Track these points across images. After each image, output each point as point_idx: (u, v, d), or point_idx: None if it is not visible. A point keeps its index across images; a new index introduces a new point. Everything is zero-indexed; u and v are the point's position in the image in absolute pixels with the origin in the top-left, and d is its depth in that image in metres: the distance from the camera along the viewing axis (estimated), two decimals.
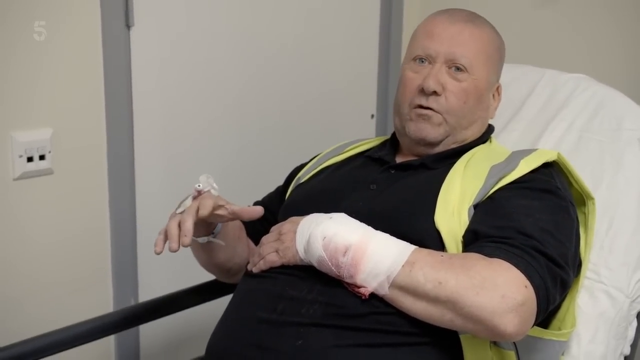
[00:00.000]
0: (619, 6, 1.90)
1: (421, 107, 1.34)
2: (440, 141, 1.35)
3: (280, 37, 2.00)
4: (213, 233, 1.29)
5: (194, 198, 1.21)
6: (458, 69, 1.33)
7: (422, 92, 1.33)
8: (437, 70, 1.33)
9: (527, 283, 1.07)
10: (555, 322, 1.29)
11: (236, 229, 1.39)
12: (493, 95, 1.41)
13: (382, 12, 2.28)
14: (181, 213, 1.19)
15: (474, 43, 1.34)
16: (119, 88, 1.68)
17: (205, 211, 1.17)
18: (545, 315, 1.15)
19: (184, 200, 1.22)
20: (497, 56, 1.40)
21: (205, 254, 1.38)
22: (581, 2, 1.98)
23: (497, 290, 1.05)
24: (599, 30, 1.95)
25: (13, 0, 1.49)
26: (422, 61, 1.35)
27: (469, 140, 1.38)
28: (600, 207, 1.39)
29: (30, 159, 1.55)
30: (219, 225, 1.30)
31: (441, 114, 1.33)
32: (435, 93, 1.32)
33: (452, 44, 1.33)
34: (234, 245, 1.39)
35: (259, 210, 1.24)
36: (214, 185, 1.22)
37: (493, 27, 1.41)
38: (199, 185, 1.21)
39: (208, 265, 1.44)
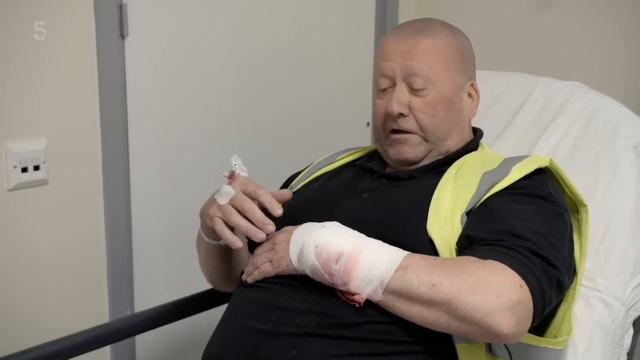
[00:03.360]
0: (614, 14, 1.91)
1: (395, 131, 1.34)
2: (423, 158, 1.36)
3: (275, 45, 2.01)
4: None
5: (229, 183, 1.21)
6: (417, 84, 1.32)
7: (390, 116, 1.33)
8: (399, 90, 1.32)
9: (523, 283, 1.06)
10: (551, 330, 1.29)
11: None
12: (469, 93, 1.40)
13: (377, 19, 2.28)
14: (222, 202, 1.19)
15: (427, 54, 1.32)
16: (114, 98, 1.69)
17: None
18: (542, 316, 1.14)
19: (219, 189, 1.20)
20: (459, 57, 1.37)
21: (219, 260, 1.37)
22: (576, 10, 1.99)
23: (491, 291, 1.04)
24: (593, 38, 1.96)
25: (13, 0, 1.49)
26: (384, 90, 1.35)
27: (453, 150, 1.37)
28: (595, 215, 1.39)
29: (24, 170, 1.55)
30: None
31: (417, 134, 1.33)
32: (402, 115, 1.32)
33: (405, 60, 1.32)
34: (244, 249, 1.39)
35: (288, 193, 1.25)
36: (243, 167, 1.22)
37: (449, 29, 1.38)
38: (235, 166, 1.21)
39: (217, 274, 1.43)
